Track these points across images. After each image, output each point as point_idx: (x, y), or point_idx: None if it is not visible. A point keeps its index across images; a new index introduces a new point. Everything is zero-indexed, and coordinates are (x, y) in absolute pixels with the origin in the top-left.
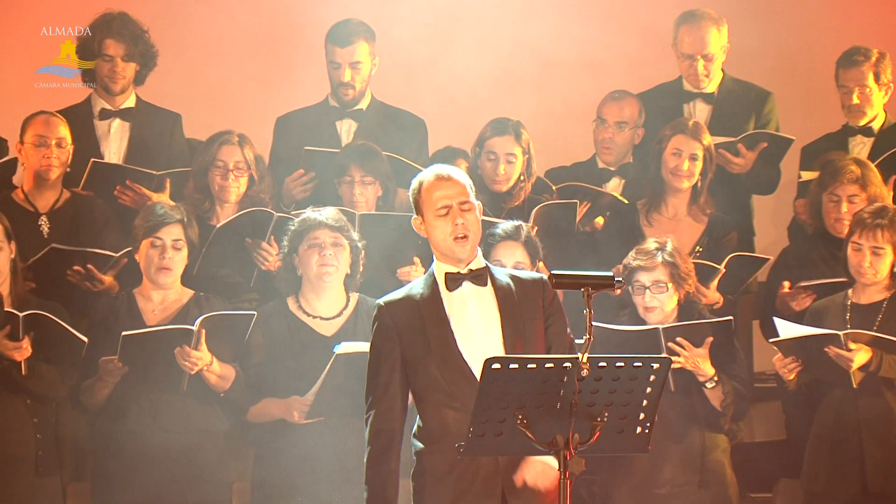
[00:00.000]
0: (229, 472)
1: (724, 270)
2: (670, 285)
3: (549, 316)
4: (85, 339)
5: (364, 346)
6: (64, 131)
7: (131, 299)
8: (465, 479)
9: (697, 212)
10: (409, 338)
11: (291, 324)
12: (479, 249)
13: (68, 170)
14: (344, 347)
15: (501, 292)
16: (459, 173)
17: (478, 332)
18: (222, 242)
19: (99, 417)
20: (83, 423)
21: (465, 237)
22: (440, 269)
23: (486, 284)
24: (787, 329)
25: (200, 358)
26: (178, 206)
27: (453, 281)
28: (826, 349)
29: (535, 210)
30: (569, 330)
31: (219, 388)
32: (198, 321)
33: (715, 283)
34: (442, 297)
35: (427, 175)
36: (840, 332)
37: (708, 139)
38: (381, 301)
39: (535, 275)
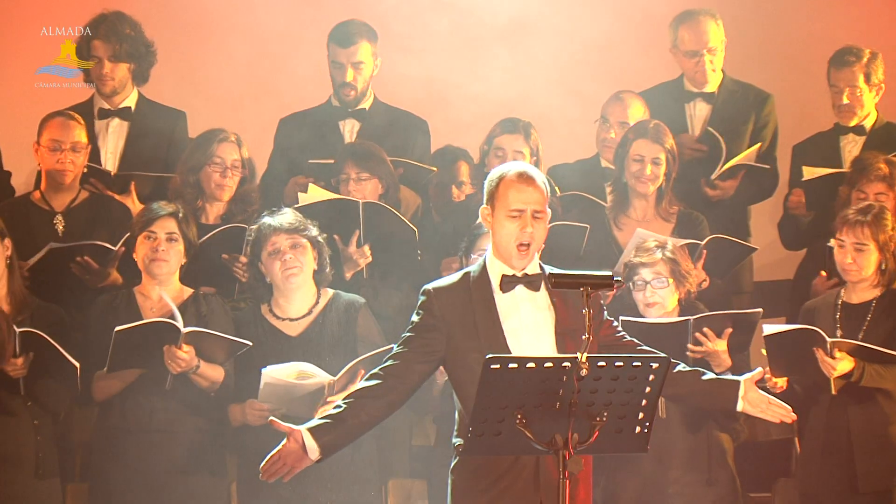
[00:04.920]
0: (228, 472)
1: (705, 251)
2: (671, 280)
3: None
4: (77, 364)
5: (289, 374)
6: (80, 134)
7: (131, 297)
8: (505, 479)
9: (663, 213)
10: (459, 330)
11: (261, 328)
12: (538, 255)
13: (85, 170)
14: (269, 373)
15: (555, 298)
16: (542, 179)
17: (527, 336)
18: (204, 259)
19: (97, 416)
20: (83, 424)
21: (527, 246)
22: (495, 266)
23: (538, 290)
24: (769, 327)
25: (184, 359)
26: (174, 204)
27: (508, 283)
28: (815, 349)
29: None
30: (615, 324)
31: (209, 389)
32: (184, 331)
33: (700, 263)
34: (494, 295)
35: (510, 171)
36: (828, 339)
37: (670, 142)
38: (429, 286)
39: None
